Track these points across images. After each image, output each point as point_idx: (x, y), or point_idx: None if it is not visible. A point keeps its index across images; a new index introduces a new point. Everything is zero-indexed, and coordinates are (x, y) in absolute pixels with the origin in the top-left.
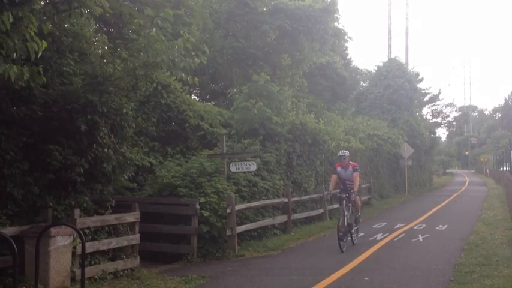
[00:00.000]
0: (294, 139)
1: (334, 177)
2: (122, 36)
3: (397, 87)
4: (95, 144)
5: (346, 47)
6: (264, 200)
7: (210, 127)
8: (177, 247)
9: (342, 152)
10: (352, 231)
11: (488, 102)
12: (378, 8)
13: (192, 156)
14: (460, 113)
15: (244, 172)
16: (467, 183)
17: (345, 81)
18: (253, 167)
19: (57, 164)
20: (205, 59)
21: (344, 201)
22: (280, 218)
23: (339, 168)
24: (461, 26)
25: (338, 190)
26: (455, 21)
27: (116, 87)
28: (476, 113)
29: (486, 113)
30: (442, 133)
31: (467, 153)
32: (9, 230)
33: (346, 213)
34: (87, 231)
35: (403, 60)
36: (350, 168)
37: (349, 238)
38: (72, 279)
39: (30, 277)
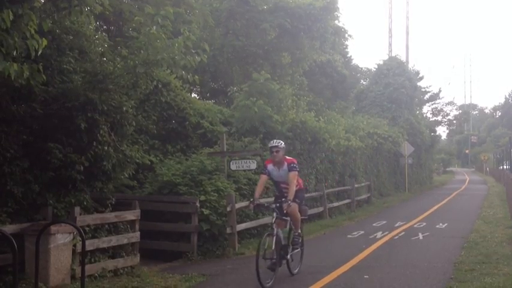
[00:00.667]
0: (294, 137)
1: (262, 178)
2: (122, 34)
3: (397, 85)
4: (95, 142)
5: (347, 45)
6: (264, 198)
7: (210, 125)
8: (177, 245)
9: (273, 142)
10: (289, 256)
11: (488, 100)
12: (378, 6)
13: (192, 154)
14: (461, 111)
15: (245, 170)
16: (467, 181)
17: (345, 80)
18: (253, 165)
19: (57, 162)
20: (206, 57)
21: (275, 214)
22: None
23: (270, 166)
24: (461, 24)
25: (271, 198)
26: (455, 20)
27: (116, 85)
28: (477, 112)
29: (486, 111)
30: (442, 131)
31: (467, 151)
32: (9, 228)
33: (276, 230)
34: (87, 229)
35: (403, 58)
36: (285, 166)
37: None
38: (72, 277)
39: (31, 275)
